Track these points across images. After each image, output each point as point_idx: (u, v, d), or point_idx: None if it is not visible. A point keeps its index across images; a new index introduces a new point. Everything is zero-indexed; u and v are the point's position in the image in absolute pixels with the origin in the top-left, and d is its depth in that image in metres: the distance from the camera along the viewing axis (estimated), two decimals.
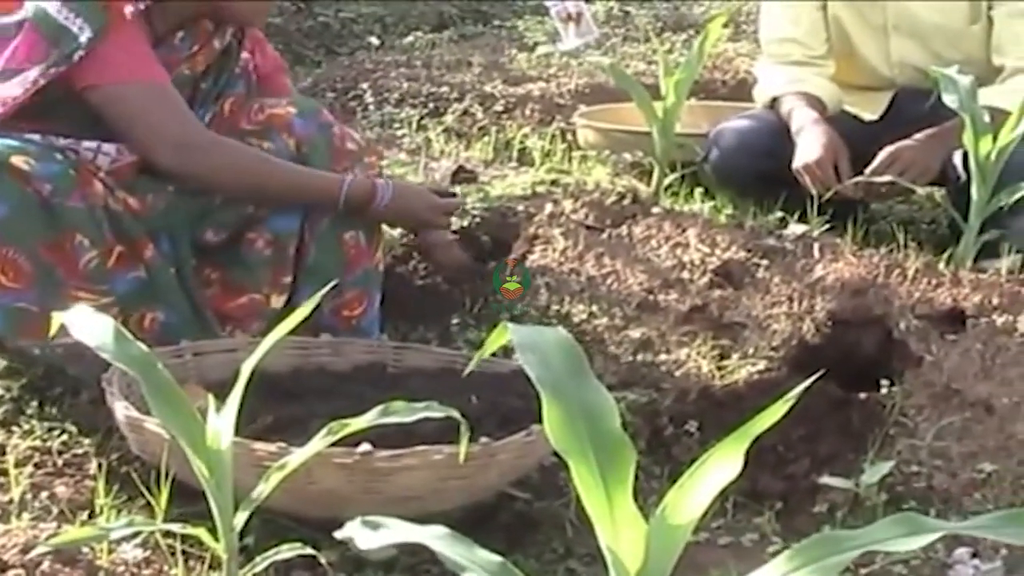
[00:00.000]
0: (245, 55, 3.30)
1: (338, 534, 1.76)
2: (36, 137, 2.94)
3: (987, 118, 3.61)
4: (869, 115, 4.23)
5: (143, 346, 2.14)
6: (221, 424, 2.09)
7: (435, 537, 1.71)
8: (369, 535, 1.73)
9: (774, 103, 4.20)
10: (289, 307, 3.07)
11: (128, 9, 2.97)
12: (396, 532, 1.74)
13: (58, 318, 2.18)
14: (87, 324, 2.15)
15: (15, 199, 2.83)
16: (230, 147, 3.09)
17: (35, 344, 2.90)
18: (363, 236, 3.25)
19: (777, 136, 4.06)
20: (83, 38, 2.92)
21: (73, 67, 2.92)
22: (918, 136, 3.86)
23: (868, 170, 3.83)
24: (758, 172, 4.04)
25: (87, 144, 3.00)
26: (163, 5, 3.04)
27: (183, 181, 3.04)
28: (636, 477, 1.89)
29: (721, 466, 1.57)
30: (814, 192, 3.85)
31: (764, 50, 4.40)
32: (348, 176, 3.15)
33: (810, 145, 3.91)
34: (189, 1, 3.08)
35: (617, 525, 1.59)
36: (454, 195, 3.46)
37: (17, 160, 2.84)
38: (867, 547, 1.55)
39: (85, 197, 2.90)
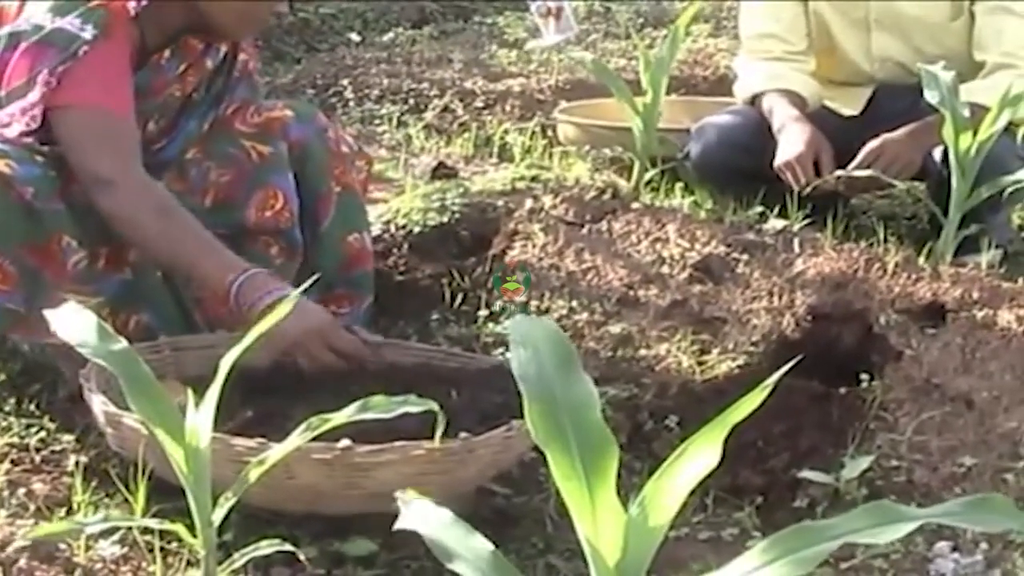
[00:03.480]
0: (242, 56, 3.26)
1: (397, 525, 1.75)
2: (12, 137, 2.91)
3: (967, 113, 3.62)
4: (849, 111, 4.23)
5: (122, 341, 2.14)
6: (200, 419, 2.08)
7: (432, 522, 1.70)
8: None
9: (755, 99, 4.20)
10: None
11: (131, 5, 2.93)
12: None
13: (46, 316, 2.18)
14: (69, 321, 2.15)
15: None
16: (150, 199, 2.90)
17: (25, 340, 2.91)
18: (366, 238, 3.26)
19: (758, 133, 4.06)
20: (87, 34, 2.88)
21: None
22: (901, 131, 3.86)
23: (852, 165, 3.84)
24: (739, 168, 4.04)
25: None
26: (153, 12, 2.98)
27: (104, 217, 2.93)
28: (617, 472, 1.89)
29: (699, 458, 1.57)
30: (796, 188, 3.85)
31: (744, 46, 4.39)
32: (249, 272, 2.82)
33: (791, 142, 3.91)
34: (176, 6, 3.01)
35: (597, 517, 1.58)
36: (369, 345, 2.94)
37: (1, 164, 2.82)
38: (842, 538, 1.54)
39: (67, 197, 2.89)
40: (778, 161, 3.89)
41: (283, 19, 3.15)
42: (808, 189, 3.83)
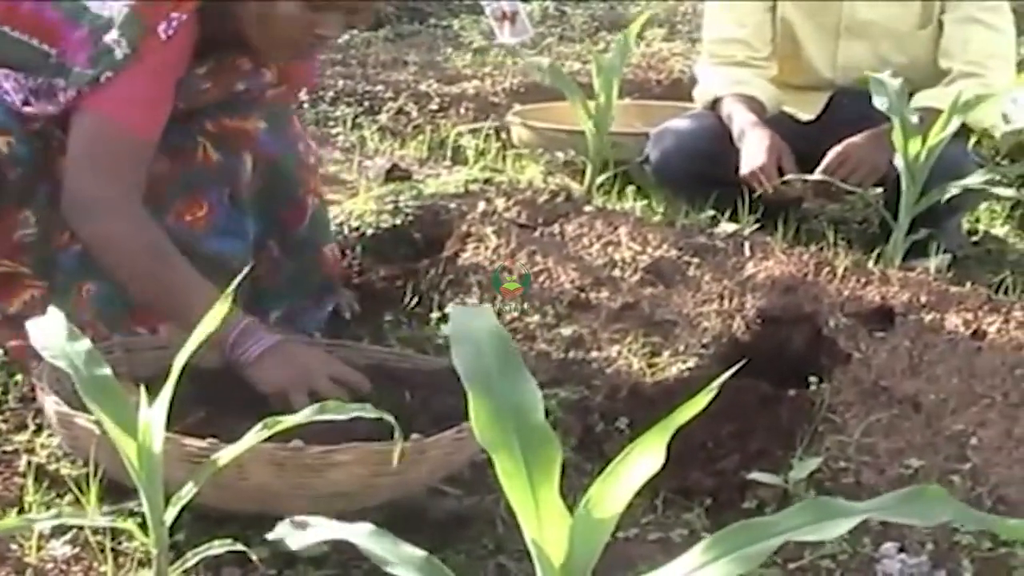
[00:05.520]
0: (275, 91, 3.16)
1: (270, 535, 1.76)
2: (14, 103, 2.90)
3: (916, 120, 3.65)
4: (806, 116, 4.25)
5: (85, 340, 2.14)
6: (153, 417, 2.08)
7: (361, 534, 1.71)
8: (299, 535, 1.73)
9: (714, 104, 4.22)
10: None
11: (161, 28, 2.80)
12: (323, 530, 1.74)
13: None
14: (39, 323, 2.17)
15: None
16: (144, 236, 2.79)
17: None
18: (336, 250, 3.27)
19: (717, 137, 4.08)
20: (119, 54, 2.79)
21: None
22: (864, 135, 3.88)
23: (818, 170, 3.87)
24: (698, 173, 4.06)
25: None
26: (209, 22, 2.86)
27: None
28: (566, 474, 1.90)
29: (644, 458, 1.58)
30: (762, 194, 3.87)
31: (706, 50, 4.39)
32: (241, 325, 2.71)
33: (754, 150, 3.93)
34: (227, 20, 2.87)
35: (542, 519, 1.60)
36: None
37: (0, 142, 2.85)
38: (784, 535, 1.56)
39: (50, 176, 2.89)
40: (743, 170, 3.91)
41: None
42: (772, 193, 3.85)
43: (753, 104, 4.12)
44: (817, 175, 3.86)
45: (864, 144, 3.87)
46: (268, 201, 3.19)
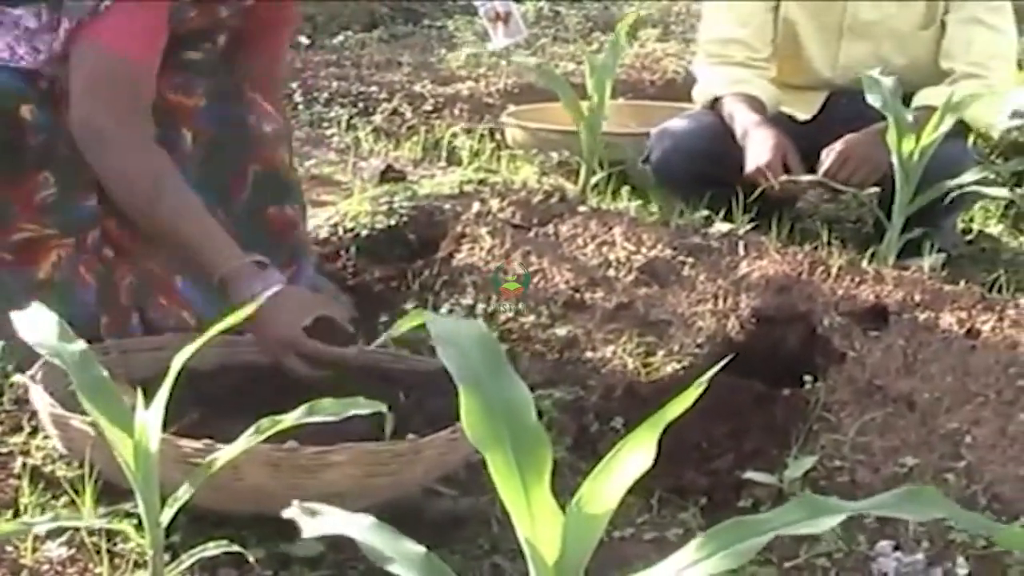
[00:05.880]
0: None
1: (284, 513, 1.76)
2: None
3: (910, 118, 3.66)
4: (803, 115, 4.25)
5: (80, 342, 2.14)
6: (149, 418, 2.08)
7: (363, 527, 1.71)
8: (308, 521, 1.73)
9: (715, 103, 4.21)
10: None
11: None
12: (331, 519, 1.74)
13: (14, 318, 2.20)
14: (32, 321, 2.16)
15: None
16: (148, 164, 2.86)
17: None
18: (288, 210, 3.25)
19: (718, 137, 4.08)
20: None
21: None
22: (864, 133, 3.87)
23: (822, 170, 3.87)
24: (699, 173, 4.06)
25: None
26: None
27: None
28: (561, 473, 1.91)
29: (635, 455, 1.59)
30: (769, 192, 3.88)
31: (705, 50, 4.38)
32: (241, 263, 2.78)
33: (759, 148, 3.93)
34: None
35: (534, 517, 1.60)
36: (352, 337, 2.84)
37: (24, 111, 2.90)
38: (775, 531, 1.57)
39: (64, 135, 2.91)
40: (748, 168, 3.91)
41: None
42: (777, 191, 3.86)
43: (755, 103, 4.12)
44: (820, 175, 3.86)
45: (865, 142, 3.86)
46: (210, 174, 3.17)
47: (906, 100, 3.78)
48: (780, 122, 4.12)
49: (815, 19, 4.22)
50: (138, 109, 2.89)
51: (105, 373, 2.13)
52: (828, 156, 3.88)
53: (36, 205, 2.98)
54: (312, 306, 2.80)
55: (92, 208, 3.04)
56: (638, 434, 1.60)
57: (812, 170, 3.91)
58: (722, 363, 1.73)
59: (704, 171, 4.05)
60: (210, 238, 2.82)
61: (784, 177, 3.86)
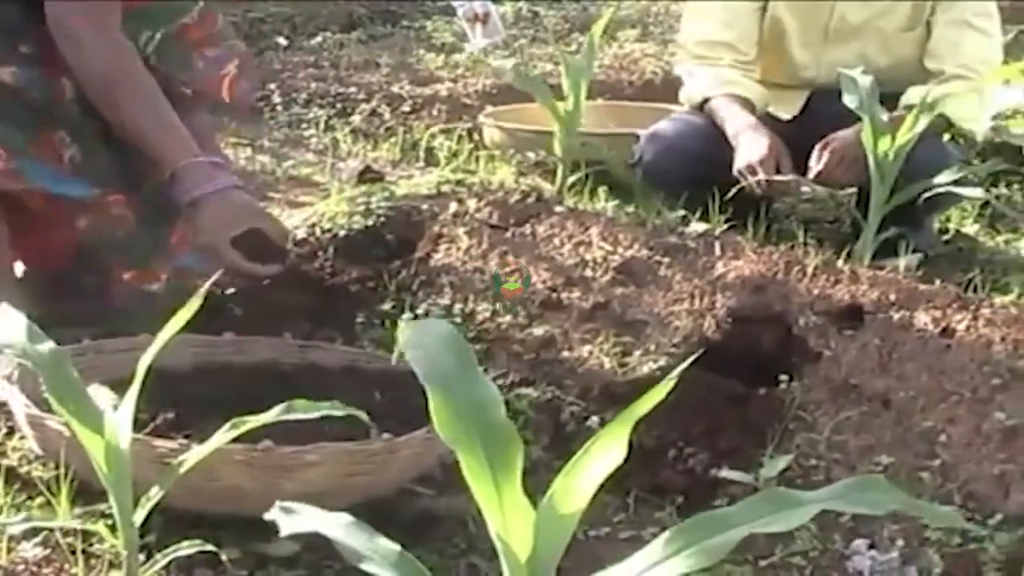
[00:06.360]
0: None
1: (266, 515, 1.76)
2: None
3: (885, 118, 3.67)
4: (784, 114, 4.26)
5: (49, 342, 2.14)
6: (119, 418, 2.08)
7: (340, 525, 1.71)
8: (288, 520, 1.73)
9: (703, 104, 4.21)
10: None
11: None
12: (303, 519, 1.74)
13: None
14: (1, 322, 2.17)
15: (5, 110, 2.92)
16: (121, 61, 2.97)
17: None
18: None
19: (708, 138, 4.09)
20: None
21: None
22: (852, 131, 3.86)
23: (815, 170, 3.88)
24: (690, 175, 4.06)
25: None
26: None
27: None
28: (537, 472, 1.91)
29: (606, 452, 1.59)
30: (758, 190, 3.88)
31: (690, 51, 4.36)
32: (196, 160, 2.95)
33: (752, 146, 3.93)
34: None
35: (506, 514, 1.60)
36: (282, 254, 3.13)
37: (3, 73, 2.92)
38: (740, 526, 1.57)
39: (61, 95, 2.97)
40: (739, 164, 3.91)
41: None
42: (767, 188, 3.86)
43: (745, 104, 4.12)
44: (814, 175, 3.87)
45: (857, 141, 3.85)
46: None
47: (891, 100, 3.79)
48: (763, 122, 4.13)
49: (802, 19, 4.23)
50: (111, 8, 2.98)
51: (75, 373, 2.12)
52: (822, 155, 3.88)
53: (65, 165, 2.99)
54: (245, 217, 2.95)
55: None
56: (609, 430, 1.60)
57: (798, 169, 3.92)
58: (693, 357, 1.74)
59: (697, 173, 4.04)
60: (167, 132, 2.95)
61: (777, 177, 3.86)
